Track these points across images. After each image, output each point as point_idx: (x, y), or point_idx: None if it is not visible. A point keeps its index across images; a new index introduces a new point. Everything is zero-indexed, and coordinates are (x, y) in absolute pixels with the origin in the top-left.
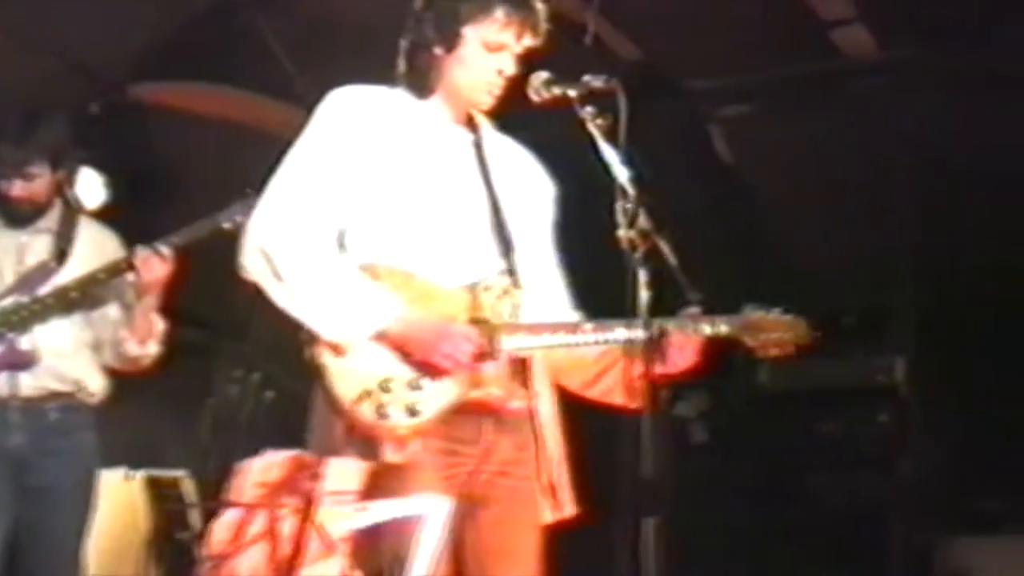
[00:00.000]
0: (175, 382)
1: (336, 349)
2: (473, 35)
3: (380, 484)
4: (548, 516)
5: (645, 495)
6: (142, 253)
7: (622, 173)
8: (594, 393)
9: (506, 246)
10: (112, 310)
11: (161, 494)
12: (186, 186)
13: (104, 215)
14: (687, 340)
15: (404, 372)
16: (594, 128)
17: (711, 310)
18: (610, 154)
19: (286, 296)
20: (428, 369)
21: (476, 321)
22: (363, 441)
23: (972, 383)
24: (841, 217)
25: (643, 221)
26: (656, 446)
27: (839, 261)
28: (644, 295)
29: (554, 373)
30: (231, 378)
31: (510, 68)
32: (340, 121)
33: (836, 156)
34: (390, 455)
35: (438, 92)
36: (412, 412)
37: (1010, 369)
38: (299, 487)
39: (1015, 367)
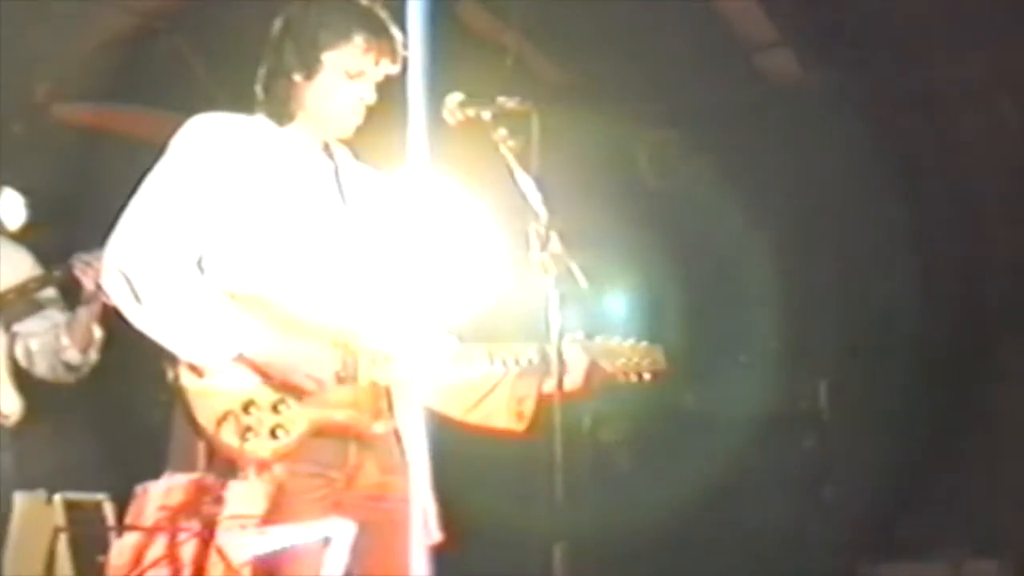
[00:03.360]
0: (99, 405)
1: (196, 370)
2: (332, 61)
3: None
4: None
5: (556, 520)
6: (80, 263)
7: (534, 196)
8: (475, 417)
9: (366, 272)
10: (39, 323)
11: (81, 518)
12: (107, 206)
13: (23, 235)
14: (575, 362)
15: (266, 394)
16: (506, 150)
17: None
18: (522, 177)
19: (146, 318)
20: (290, 390)
21: (336, 346)
22: (225, 464)
23: (895, 409)
24: (765, 241)
25: (555, 244)
26: (575, 470)
27: (763, 285)
28: (556, 318)
29: (431, 398)
30: (156, 401)
31: (371, 95)
32: (197, 148)
33: (761, 180)
34: (252, 478)
35: (297, 119)
36: (274, 435)
37: (933, 395)
38: (201, 511)
39: (938, 392)
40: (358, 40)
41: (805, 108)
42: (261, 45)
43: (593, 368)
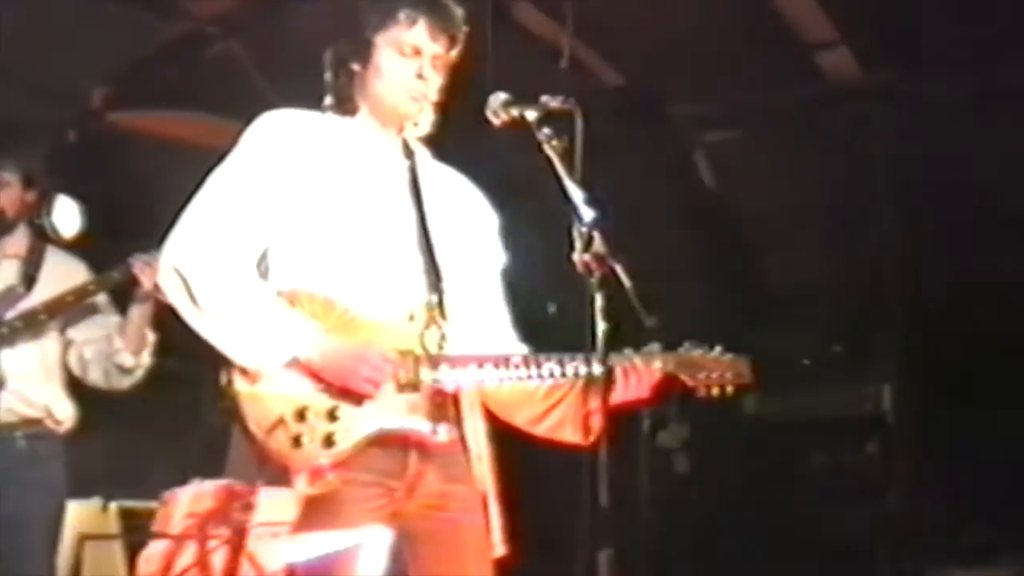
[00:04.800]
0: (162, 412)
1: (249, 375)
2: (384, 41)
3: (303, 516)
4: None
5: (602, 527)
6: (139, 262)
7: (577, 196)
8: (541, 430)
9: (435, 276)
10: (93, 330)
11: (138, 525)
12: (161, 214)
13: (79, 243)
14: (639, 372)
15: (321, 401)
16: (550, 150)
17: (668, 336)
18: (565, 176)
19: (200, 319)
20: (347, 395)
21: (399, 351)
22: (277, 471)
23: (960, 412)
24: (828, 244)
25: (598, 245)
26: (633, 476)
27: (825, 288)
28: (600, 322)
29: (498, 408)
30: (218, 409)
31: (429, 71)
32: (266, 144)
33: (822, 181)
34: (304, 486)
35: (363, 110)
36: (329, 442)
37: (998, 398)
38: (230, 518)
39: (1003, 395)
40: (401, 16)
41: (865, 107)
42: (315, 48)
43: (668, 381)
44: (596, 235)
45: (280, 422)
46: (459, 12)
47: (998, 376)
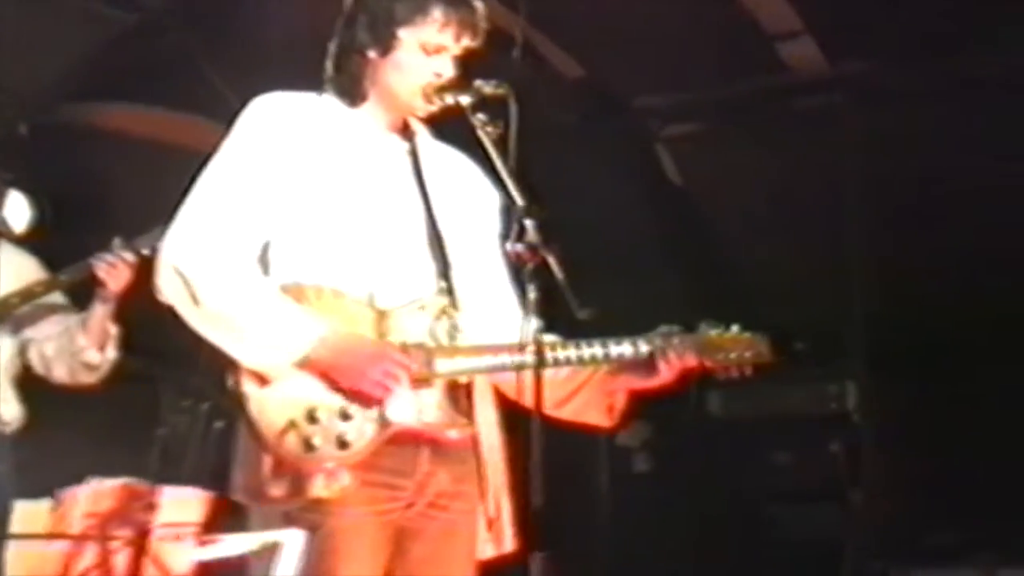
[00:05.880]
0: (122, 412)
1: (259, 377)
2: (410, 37)
3: (305, 520)
4: (488, 551)
5: (534, 528)
6: (103, 263)
7: (510, 183)
8: (566, 413)
9: (444, 263)
10: (51, 327)
11: None
12: (115, 208)
13: (29, 237)
14: (670, 357)
15: (332, 401)
16: (484, 136)
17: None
18: (499, 164)
19: (203, 320)
20: (357, 397)
21: (410, 345)
22: (291, 476)
23: (925, 411)
24: (791, 238)
25: (531, 234)
26: (592, 476)
27: (789, 284)
28: (533, 312)
29: (520, 394)
30: (179, 408)
31: (448, 71)
32: (263, 130)
33: (786, 175)
34: (319, 490)
35: (371, 98)
36: (342, 443)
37: (963, 396)
38: (132, 518)
39: (968, 394)
40: (436, 14)
41: (830, 98)
42: (272, 41)
43: (689, 363)
44: (528, 224)
45: (291, 425)
46: (481, 6)
47: (964, 375)
